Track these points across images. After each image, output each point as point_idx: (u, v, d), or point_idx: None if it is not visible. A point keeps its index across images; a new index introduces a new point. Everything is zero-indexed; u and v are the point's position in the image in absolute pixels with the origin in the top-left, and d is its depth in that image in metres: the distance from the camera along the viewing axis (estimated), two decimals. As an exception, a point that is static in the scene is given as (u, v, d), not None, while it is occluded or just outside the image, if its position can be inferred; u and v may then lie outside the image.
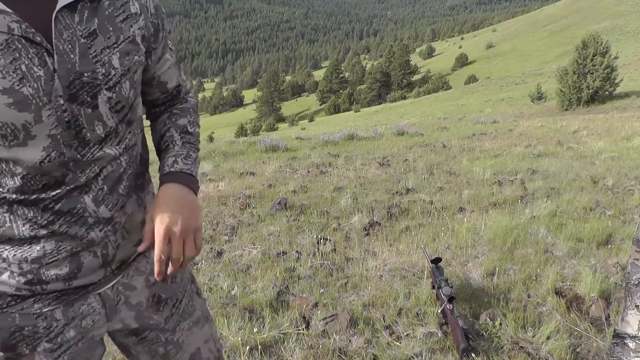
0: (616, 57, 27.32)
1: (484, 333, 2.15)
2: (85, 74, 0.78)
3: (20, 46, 0.73)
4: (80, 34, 0.79)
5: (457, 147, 8.98)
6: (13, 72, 0.73)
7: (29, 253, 0.83)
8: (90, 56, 0.79)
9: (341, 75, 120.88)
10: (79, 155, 0.81)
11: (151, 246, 0.86)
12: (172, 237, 0.85)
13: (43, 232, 0.82)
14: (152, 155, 1.22)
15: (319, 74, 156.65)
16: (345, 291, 2.69)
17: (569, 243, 3.23)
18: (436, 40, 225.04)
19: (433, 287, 2.40)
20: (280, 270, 2.93)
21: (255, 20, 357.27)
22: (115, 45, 0.83)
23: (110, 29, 0.83)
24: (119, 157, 0.87)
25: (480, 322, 2.23)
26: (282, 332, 2.22)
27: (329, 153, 8.77)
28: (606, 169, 5.90)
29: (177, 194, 0.89)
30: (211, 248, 3.44)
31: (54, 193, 0.81)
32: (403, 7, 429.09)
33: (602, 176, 5.43)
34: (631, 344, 1.02)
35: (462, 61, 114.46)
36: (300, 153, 9.12)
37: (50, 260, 0.84)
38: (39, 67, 0.75)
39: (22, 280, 0.84)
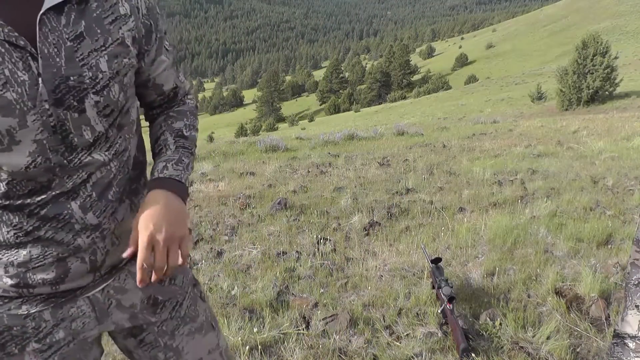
0: (616, 57, 27.33)
1: (484, 333, 2.15)
2: (72, 78, 0.77)
3: (3, 50, 0.72)
4: (67, 36, 0.77)
5: (457, 147, 8.98)
6: None
7: (15, 257, 0.82)
8: (77, 59, 0.78)
9: (341, 75, 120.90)
10: (65, 161, 0.79)
11: (135, 253, 0.84)
12: (156, 245, 0.82)
13: (29, 238, 0.81)
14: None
15: (319, 74, 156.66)
16: (345, 291, 2.69)
17: (569, 243, 3.23)
18: (436, 40, 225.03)
19: (433, 287, 2.40)
20: (280, 270, 2.94)
21: (255, 20, 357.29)
22: (103, 48, 0.81)
23: (98, 31, 0.81)
24: (108, 163, 0.85)
25: (480, 322, 2.23)
26: (282, 332, 2.22)
27: (329, 153, 8.77)
28: (606, 169, 5.90)
29: (162, 201, 0.86)
30: (211, 248, 3.44)
31: (39, 198, 0.80)
32: (403, 7, 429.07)
33: (602, 176, 5.43)
34: (631, 344, 1.02)
35: (462, 61, 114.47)
36: (300, 153, 9.12)
37: (37, 265, 0.83)
38: (23, 72, 0.73)
39: (9, 282, 0.83)
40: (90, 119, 0.80)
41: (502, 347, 2.04)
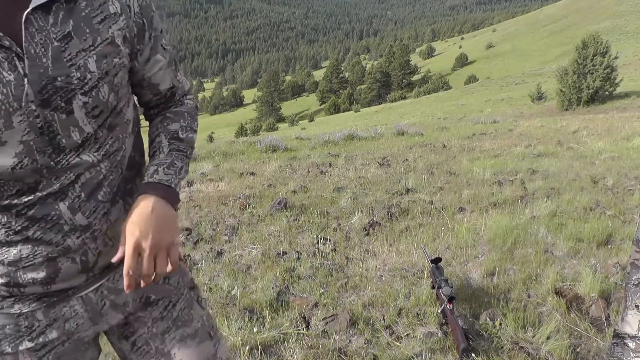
0: (616, 57, 27.33)
1: (484, 333, 2.15)
2: (59, 79, 0.76)
3: None
4: (54, 36, 0.76)
5: (457, 147, 8.98)
6: None
7: (5, 256, 0.82)
8: (65, 60, 0.76)
9: (341, 75, 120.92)
10: (52, 162, 0.78)
11: (124, 258, 0.83)
12: (142, 253, 0.81)
13: (18, 237, 0.81)
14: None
15: (319, 74, 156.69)
16: (345, 291, 2.69)
17: (569, 243, 3.23)
18: (436, 40, 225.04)
19: (433, 287, 2.40)
20: (280, 270, 2.94)
21: (255, 20, 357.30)
22: (92, 48, 0.79)
23: (87, 30, 0.79)
24: (97, 163, 0.84)
25: (480, 322, 2.23)
26: (282, 332, 2.22)
27: (329, 153, 8.77)
28: (606, 169, 5.90)
29: (150, 207, 0.83)
30: (211, 248, 3.44)
31: (26, 199, 0.79)
32: (403, 7, 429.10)
33: (602, 176, 5.43)
34: (631, 344, 1.02)
35: (462, 61, 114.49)
36: (300, 153, 9.12)
37: (27, 264, 0.82)
38: (9, 72, 0.72)
39: (0, 281, 0.83)
40: (79, 120, 0.79)
41: (502, 347, 2.04)
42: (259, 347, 2.09)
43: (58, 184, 0.80)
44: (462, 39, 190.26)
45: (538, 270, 2.82)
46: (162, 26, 0.95)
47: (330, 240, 3.50)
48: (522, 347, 2.02)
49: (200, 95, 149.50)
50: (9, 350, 0.87)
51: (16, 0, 0.74)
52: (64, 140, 0.78)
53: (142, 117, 1.07)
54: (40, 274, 0.83)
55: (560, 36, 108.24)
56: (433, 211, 4.16)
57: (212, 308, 2.49)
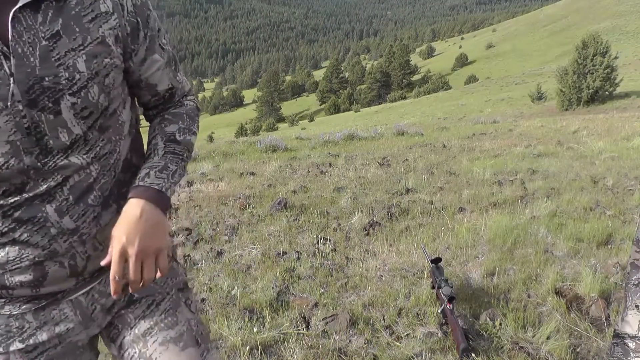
0: (616, 57, 27.33)
1: (484, 333, 2.15)
2: (46, 79, 0.74)
3: None
4: (43, 35, 0.74)
5: (457, 147, 8.98)
6: None
7: None
8: (53, 59, 0.75)
9: (341, 75, 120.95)
10: (39, 164, 0.77)
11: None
12: (129, 258, 0.80)
13: (4, 239, 0.79)
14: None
15: (319, 74, 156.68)
16: (345, 291, 2.69)
17: (569, 243, 3.22)
18: (436, 40, 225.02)
19: (433, 287, 2.40)
20: (280, 270, 2.93)
21: (255, 20, 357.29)
22: (82, 48, 0.78)
23: (77, 29, 0.77)
24: (87, 166, 0.82)
25: (480, 322, 2.23)
26: (282, 332, 2.22)
27: (329, 153, 8.77)
28: (606, 169, 5.90)
29: (139, 212, 0.81)
30: (211, 248, 3.44)
31: (12, 200, 0.77)
32: (403, 7, 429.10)
33: (602, 176, 5.43)
34: (631, 344, 1.02)
35: (462, 61, 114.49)
36: (300, 153, 9.12)
37: (14, 267, 0.81)
38: None
39: None
40: (67, 121, 0.77)
41: (502, 347, 2.04)
42: (259, 347, 2.09)
43: (45, 186, 0.78)
44: (462, 39, 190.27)
45: (538, 270, 2.82)
46: (160, 26, 0.93)
47: (330, 240, 3.50)
48: (522, 347, 2.02)
49: (200, 95, 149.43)
50: (0, 350, 0.86)
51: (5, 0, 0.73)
52: (51, 142, 0.77)
53: (142, 117, 1.06)
54: (28, 277, 0.82)
55: (560, 36, 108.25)
56: (433, 211, 4.16)
57: (212, 308, 2.49)
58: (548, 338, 2.07)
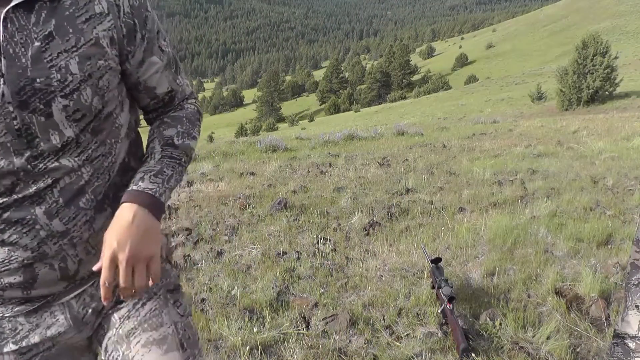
0: (616, 57, 27.33)
1: (484, 333, 2.15)
2: (38, 80, 0.73)
3: None
4: (35, 36, 0.73)
5: (457, 147, 8.98)
6: None
7: None
8: (45, 60, 0.74)
9: (341, 75, 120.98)
10: (29, 166, 0.76)
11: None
12: (119, 265, 0.78)
13: None
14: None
15: (319, 74, 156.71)
16: (345, 291, 2.69)
17: (569, 243, 3.23)
18: (436, 40, 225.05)
19: (433, 287, 2.40)
20: (280, 270, 2.93)
21: (255, 20, 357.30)
22: (75, 49, 0.76)
23: (70, 30, 0.76)
24: (78, 169, 0.81)
25: (480, 322, 2.23)
26: (282, 332, 2.22)
27: (329, 153, 8.77)
28: (606, 169, 5.90)
29: (131, 217, 0.80)
30: (211, 248, 3.44)
31: (1, 201, 0.77)
32: (403, 7, 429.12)
33: (602, 176, 5.43)
34: (631, 344, 1.02)
35: (462, 61, 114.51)
36: (300, 153, 9.12)
37: (3, 268, 0.80)
38: None
39: None
40: (59, 123, 0.76)
41: (502, 347, 2.04)
42: (259, 347, 2.09)
43: (34, 188, 0.77)
44: (462, 39, 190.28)
45: (538, 270, 2.82)
46: (160, 27, 0.91)
47: (330, 240, 3.50)
48: (522, 347, 2.02)
49: (200, 95, 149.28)
50: None
51: None
52: (42, 144, 0.76)
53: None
54: (17, 279, 0.81)
55: (560, 36, 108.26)
56: (433, 211, 4.16)
57: (212, 308, 2.49)
58: (548, 338, 2.07)
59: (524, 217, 3.86)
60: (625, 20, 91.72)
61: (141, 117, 1.03)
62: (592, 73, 26.24)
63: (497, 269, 2.83)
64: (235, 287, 2.71)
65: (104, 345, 0.94)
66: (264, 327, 2.26)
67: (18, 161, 0.75)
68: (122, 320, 0.92)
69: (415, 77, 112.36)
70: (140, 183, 0.85)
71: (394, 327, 2.26)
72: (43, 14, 0.74)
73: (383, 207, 4.35)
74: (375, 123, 26.47)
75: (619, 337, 1.06)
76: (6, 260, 0.80)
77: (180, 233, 3.82)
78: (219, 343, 2.16)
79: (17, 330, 0.86)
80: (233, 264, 3.15)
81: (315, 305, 2.49)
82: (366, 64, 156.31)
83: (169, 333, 0.92)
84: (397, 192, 4.97)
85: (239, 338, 2.12)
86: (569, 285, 2.54)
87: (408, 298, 2.54)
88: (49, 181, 0.78)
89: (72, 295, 0.88)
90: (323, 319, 2.32)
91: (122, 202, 0.83)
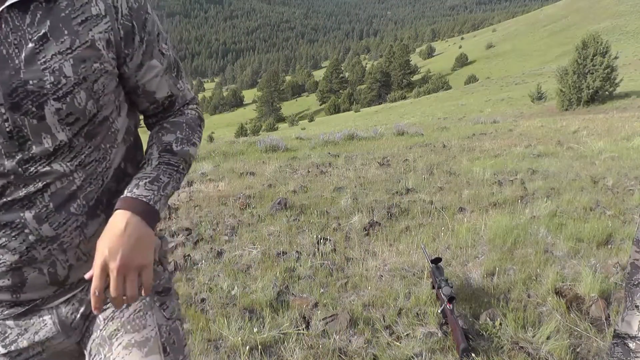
0: (616, 57, 27.33)
1: (484, 333, 2.15)
2: (31, 82, 0.72)
3: None
4: (29, 37, 0.72)
5: (457, 147, 8.98)
6: None
7: None
8: (38, 62, 0.72)
9: (341, 75, 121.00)
10: (20, 169, 0.75)
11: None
12: (110, 273, 0.77)
13: None
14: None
15: (319, 74, 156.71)
16: (345, 291, 2.69)
17: (569, 243, 3.22)
18: (436, 40, 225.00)
19: (433, 287, 2.40)
20: (280, 270, 2.93)
21: (255, 20, 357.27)
22: (69, 51, 0.75)
23: (65, 32, 0.74)
24: (70, 173, 0.79)
25: (480, 322, 2.23)
26: (282, 332, 2.22)
27: (329, 153, 8.77)
28: (606, 169, 5.90)
29: (123, 225, 0.78)
30: (211, 248, 3.44)
31: None
32: (403, 7, 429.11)
33: (602, 176, 5.43)
34: (631, 344, 1.02)
35: (462, 61, 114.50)
36: (300, 153, 9.12)
37: None
38: None
39: None
40: (51, 126, 0.75)
41: (502, 347, 2.04)
42: (259, 347, 2.09)
43: (24, 191, 0.76)
44: (462, 39, 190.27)
45: (538, 270, 2.82)
46: (160, 30, 0.89)
47: (330, 240, 3.50)
48: (522, 347, 2.02)
49: (200, 95, 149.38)
50: None
51: None
52: (34, 147, 0.75)
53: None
54: (6, 282, 0.80)
55: (560, 36, 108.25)
56: (433, 211, 4.16)
57: (212, 308, 2.49)
58: (548, 338, 2.07)
59: (524, 217, 3.86)
60: (625, 20, 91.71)
61: (141, 119, 1.02)
62: (592, 73, 26.24)
63: (497, 269, 2.83)
64: (235, 287, 2.71)
65: (88, 348, 0.91)
66: (264, 327, 2.26)
67: (9, 164, 0.74)
68: (106, 321, 0.90)
69: (415, 77, 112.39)
70: (134, 190, 0.82)
71: (394, 327, 2.26)
72: (38, 15, 0.73)
73: (383, 207, 4.35)
74: (375, 123, 26.47)
75: (619, 337, 1.06)
76: None
77: (180, 233, 3.82)
78: (219, 343, 2.16)
79: (7, 334, 0.86)
80: (233, 264, 3.15)
81: (315, 305, 2.49)
82: (366, 64, 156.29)
83: (151, 336, 0.89)
84: (397, 192, 4.97)
85: (239, 338, 2.13)
86: (569, 285, 2.54)
87: (408, 298, 2.54)
88: (40, 185, 0.77)
89: (61, 299, 0.87)
90: (323, 319, 2.32)
91: (116, 209, 0.81)
